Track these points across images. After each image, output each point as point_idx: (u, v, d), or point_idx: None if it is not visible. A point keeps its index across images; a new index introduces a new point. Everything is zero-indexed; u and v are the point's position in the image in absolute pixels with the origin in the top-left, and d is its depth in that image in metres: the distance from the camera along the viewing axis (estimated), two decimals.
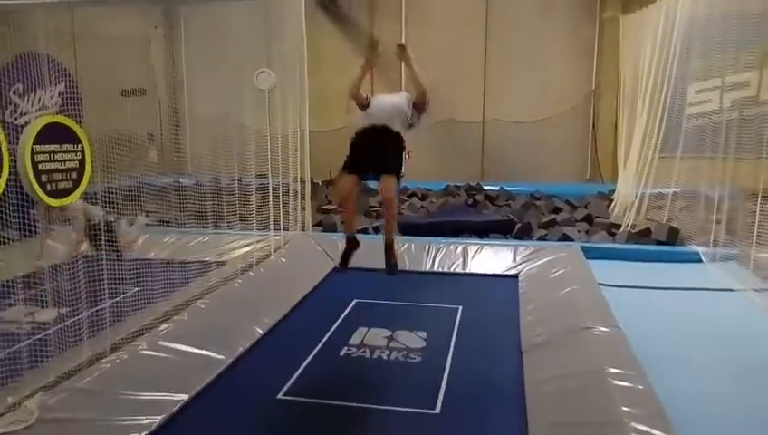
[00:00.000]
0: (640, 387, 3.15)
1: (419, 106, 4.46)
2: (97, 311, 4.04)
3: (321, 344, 4.39)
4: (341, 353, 4.25)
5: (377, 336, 4.53)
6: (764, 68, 6.94)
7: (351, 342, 4.44)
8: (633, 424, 2.79)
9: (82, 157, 3.89)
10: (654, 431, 2.73)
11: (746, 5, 6.47)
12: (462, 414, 3.42)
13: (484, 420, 3.35)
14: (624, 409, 2.93)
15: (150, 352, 3.80)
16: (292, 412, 3.49)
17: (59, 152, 3.77)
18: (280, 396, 3.63)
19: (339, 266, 4.83)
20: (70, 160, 3.76)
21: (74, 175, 3.81)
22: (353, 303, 5.31)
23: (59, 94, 4.77)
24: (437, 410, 3.46)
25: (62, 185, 3.79)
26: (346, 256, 4.67)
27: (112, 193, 5.16)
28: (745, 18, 6.50)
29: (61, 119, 3.90)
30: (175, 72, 10.75)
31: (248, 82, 6.61)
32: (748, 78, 7.20)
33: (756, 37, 6.52)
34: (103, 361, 3.57)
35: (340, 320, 4.90)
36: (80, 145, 3.83)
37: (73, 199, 3.88)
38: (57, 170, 3.75)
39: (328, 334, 4.58)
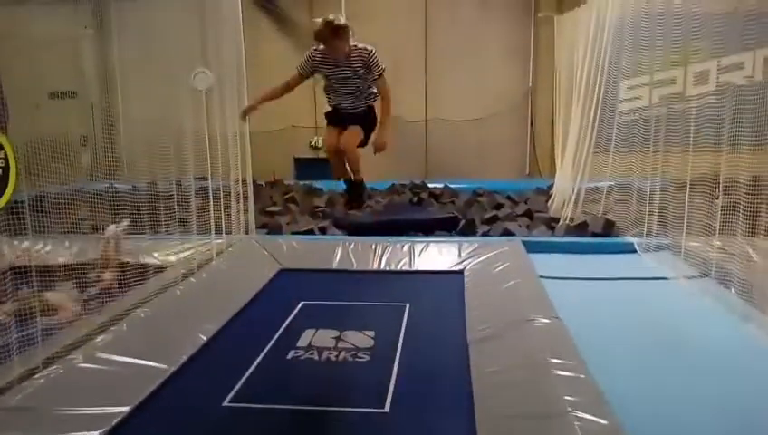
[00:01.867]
0: (581, 376, 3.26)
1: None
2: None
3: (267, 348, 4.31)
4: (289, 356, 4.19)
5: (325, 337, 4.49)
6: (688, 65, 7.28)
7: (299, 344, 4.38)
8: (576, 413, 2.87)
9: (6, 164, 3.69)
10: (596, 419, 2.82)
11: (669, 7, 6.76)
12: (411, 411, 3.43)
13: (433, 415, 3.38)
14: (567, 398, 3.02)
15: (87, 365, 3.63)
16: (240, 419, 3.42)
17: None
18: (226, 403, 3.55)
19: (351, 207, 4.98)
20: None
21: None
22: (300, 305, 5.25)
23: None
24: (386, 408, 3.47)
25: None
26: (356, 195, 4.79)
27: (42, 200, 4.93)
28: (669, 18, 6.80)
29: None
30: (107, 74, 10.36)
31: (185, 82, 6.43)
32: (675, 75, 7.54)
33: (680, 37, 6.83)
34: (36, 376, 3.39)
35: (286, 323, 4.83)
36: (2, 152, 3.62)
37: None
38: None
39: (274, 338, 4.50)
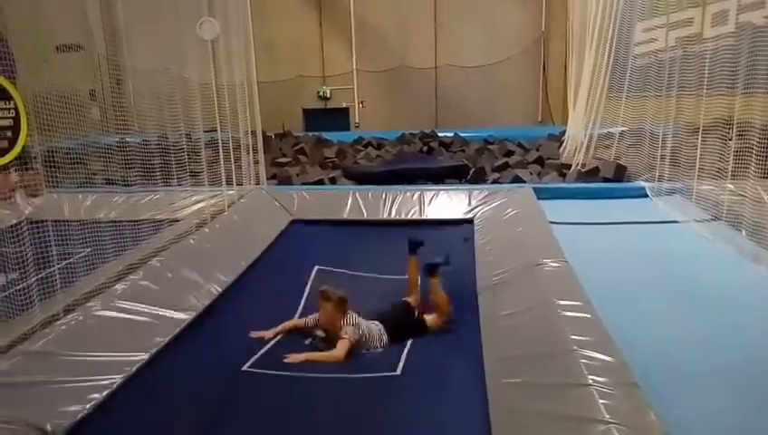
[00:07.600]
0: (588, 316, 3.29)
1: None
2: (46, 275, 3.91)
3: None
4: None
5: None
6: (707, 5, 7.06)
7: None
8: (582, 351, 2.92)
9: (16, 114, 3.71)
10: (601, 356, 2.87)
11: None
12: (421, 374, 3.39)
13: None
14: (573, 337, 3.06)
15: (106, 313, 3.72)
16: (256, 379, 3.38)
17: None
18: (245, 367, 3.47)
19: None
20: (3, 118, 3.57)
21: (9, 134, 3.63)
22: (314, 271, 5.03)
23: None
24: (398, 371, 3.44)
25: None
26: None
27: (54, 154, 4.97)
28: None
29: None
30: (113, 25, 10.23)
31: (191, 32, 6.34)
32: (692, 15, 7.32)
33: None
34: (57, 323, 3.49)
35: (305, 294, 4.60)
36: (12, 102, 3.63)
37: (10, 157, 3.69)
38: None
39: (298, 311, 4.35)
